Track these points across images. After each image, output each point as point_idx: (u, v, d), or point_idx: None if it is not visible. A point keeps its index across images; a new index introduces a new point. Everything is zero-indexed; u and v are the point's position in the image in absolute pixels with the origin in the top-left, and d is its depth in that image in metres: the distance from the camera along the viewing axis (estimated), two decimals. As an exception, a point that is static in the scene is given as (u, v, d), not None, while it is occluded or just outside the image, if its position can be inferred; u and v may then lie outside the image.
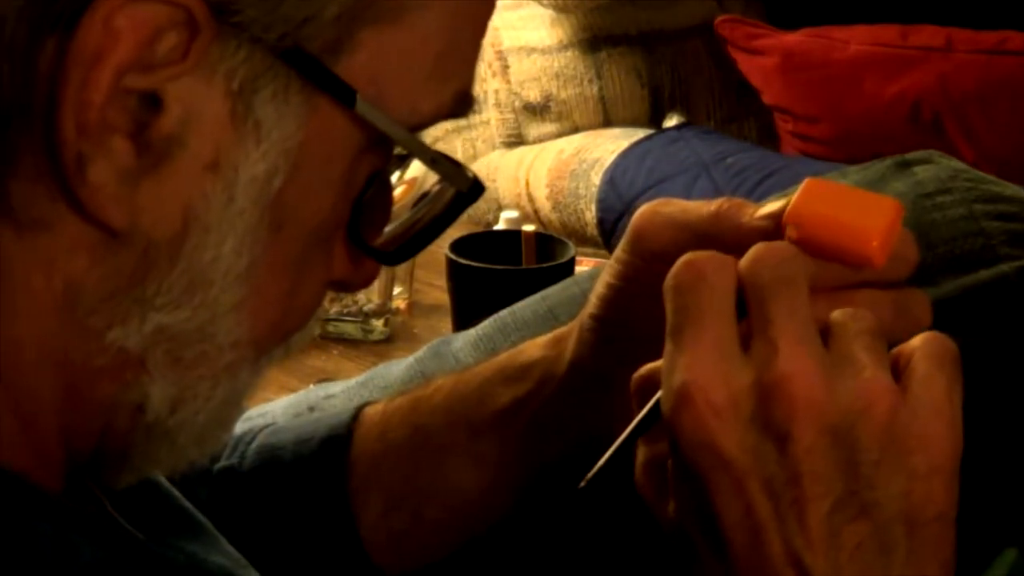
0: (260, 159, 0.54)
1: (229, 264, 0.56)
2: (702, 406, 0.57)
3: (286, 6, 0.53)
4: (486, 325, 1.11)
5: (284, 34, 0.53)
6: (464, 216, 2.26)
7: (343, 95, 0.55)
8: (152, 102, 0.53)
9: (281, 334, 0.60)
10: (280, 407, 1.11)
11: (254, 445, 0.84)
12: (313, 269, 0.59)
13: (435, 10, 0.56)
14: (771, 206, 0.65)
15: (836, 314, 0.60)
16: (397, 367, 1.12)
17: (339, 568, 0.81)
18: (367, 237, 0.60)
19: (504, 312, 1.12)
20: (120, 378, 0.57)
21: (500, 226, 1.75)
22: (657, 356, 0.60)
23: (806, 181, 0.63)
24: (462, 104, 0.59)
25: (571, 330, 0.78)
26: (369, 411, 0.84)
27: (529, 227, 1.67)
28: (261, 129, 0.54)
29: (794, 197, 0.63)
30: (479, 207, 2.29)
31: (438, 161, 0.59)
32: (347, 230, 0.60)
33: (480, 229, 1.78)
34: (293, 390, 1.50)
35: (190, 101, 0.53)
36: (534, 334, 1.07)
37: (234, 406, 0.61)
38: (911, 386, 0.58)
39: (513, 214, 1.79)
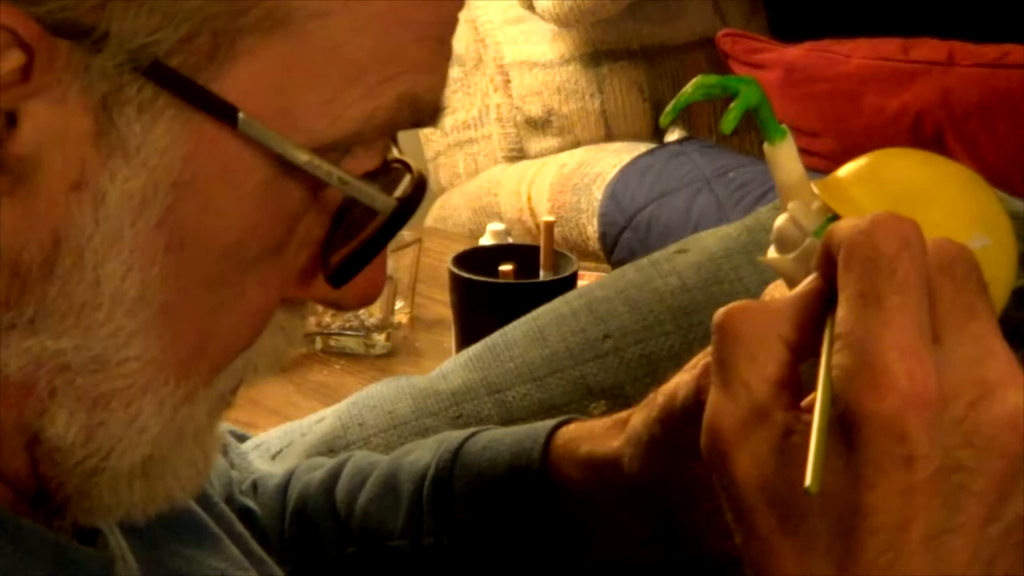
0: (132, 176, 0.53)
1: (116, 286, 0.54)
2: (905, 385, 0.54)
3: (139, 19, 0.51)
4: (477, 347, 1.12)
5: (140, 47, 0.51)
6: (466, 230, 2.27)
7: (221, 112, 0.53)
8: (12, 121, 0.51)
9: (216, 357, 0.58)
10: (275, 436, 1.11)
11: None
12: (242, 288, 0.57)
13: (344, 15, 0.54)
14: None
15: None
16: (385, 387, 1.12)
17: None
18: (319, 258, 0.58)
19: (496, 334, 1.12)
20: (14, 404, 0.56)
21: (486, 238, 1.75)
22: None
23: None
24: (415, 110, 0.56)
25: (632, 427, 0.77)
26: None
27: (549, 217, 1.68)
28: (128, 145, 0.52)
29: None
30: (481, 222, 2.29)
31: (349, 183, 0.56)
32: (322, 249, 0.58)
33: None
34: (296, 404, 1.50)
35: (44, 120, 0.51)
36: (524, 354, 1.07)
37: (190, 438, 0.59)
38: None
39: (499, 226, 1.79)
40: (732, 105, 0.67)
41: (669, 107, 0.69)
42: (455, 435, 0.86)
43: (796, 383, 0.58)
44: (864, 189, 0.67)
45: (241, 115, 0.53)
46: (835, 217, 0.66)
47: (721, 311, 0.59)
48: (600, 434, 0.79)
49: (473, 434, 0.85)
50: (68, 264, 0.53)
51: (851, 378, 0.55)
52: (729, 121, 0.67)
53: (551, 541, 0.80)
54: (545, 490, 0.79)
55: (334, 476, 0.88)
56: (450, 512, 0.82)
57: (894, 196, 0.66)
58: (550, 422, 0.82)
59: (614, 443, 0.77)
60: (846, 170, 0.69)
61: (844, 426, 0.55)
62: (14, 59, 0.51)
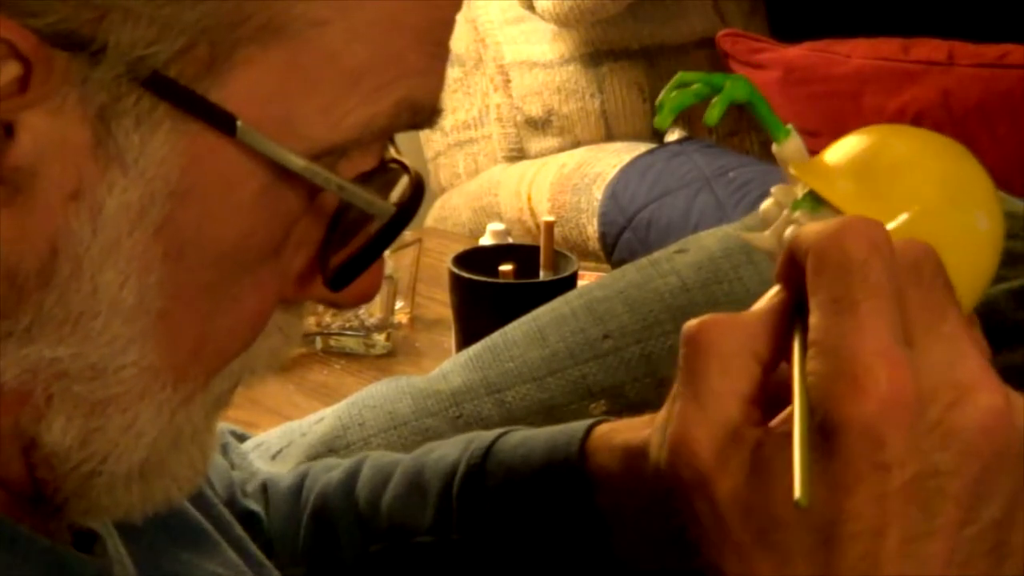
0: (129, 186, 0.53)
1: (113, 295, 0.54)
2: (884, 389, 0.54)
3: (137, 31, 0.51)
4: (477, 347, 1.12)
5: (139, 59, 0.51)
6: (466, 230, 2.27)
7: (220, 121, 0.53)
8: (9, 132, 0.51)
9: (214, 361, 0.58)
10: (275, 436, 1.11)
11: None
12: (238, 293, 0.57)
13: (342, 22, 0.54)
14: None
15: None
16: (385, 387, 1.12)
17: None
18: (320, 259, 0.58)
19: (496, 334, 1.12)
20: (10, 411, 0.56)
21: (486, 238, 1.75)
22: None
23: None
24: (413, 114, 0.56)
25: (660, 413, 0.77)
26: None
27: (549, 217, 1.68)
28: (126, 156, 0.52)
29: None
30: (481, 222, 2.29)
31: (346, 190, 0.56)
32: (318, 251, 0.58)
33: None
34: (296, 404, 1.50)
35: (42, 131, 0.51)
36: (524, 355, 1.07)
37: (187, 440, 0.59)
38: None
39: (499, 226, 1.79)
40: (716, 99, 0.67)
41: (665, 111, 0.68)
42: (484, 434, 0.86)
43: (764, 398, 0.58)
44: (839, 163, 0.67)
45: (239, 123, 0.53)
46: (813, 194, 0.66)
47: (692, 323, 0.59)
48: (637, 425, 0.79)
49: (504, 432, 0.85)
50: (66, 273, 0.53)
51: (829, 384, 0.55)
52: (713, 115, 0.66)
53: (579, 536, 0.80)
54: (580, 483, 0.79)
55: (352, 476, 0.88)
56: (481, 508, 0.82)
57: (876, 176, 0.66)
58: (587, 420, 0.82)
59: (646, 432, 0.77)
60: (827, 150, 0.69)
61: (822, 432, 0.55)
62: (11, 71, 0.51)
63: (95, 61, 0.51)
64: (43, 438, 0.56)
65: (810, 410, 0.55)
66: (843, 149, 0.68)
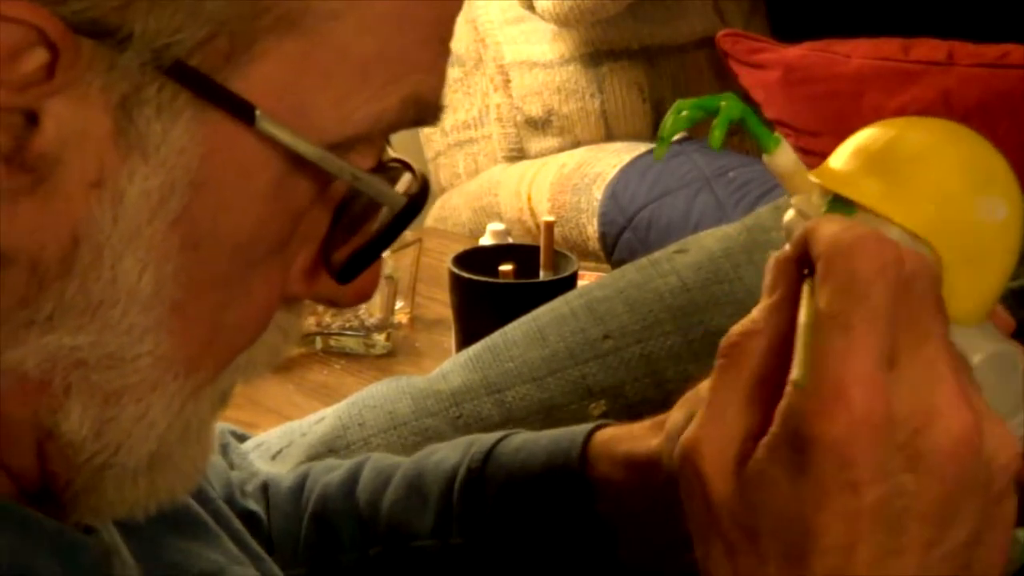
0: (150, 175, 0.53)
1: (132, 284, 0.54)
2: (858, 412, 0.56)
3: (162, 19, 0.51)
4: (477, 347, 1.12)
5: (163, 47, 0.52)
6: (466, 230, 2.27)
7: (239, 110, 0.53)
8: (33, 120, 0.52)
9: (222, 354, 0.59)
10: (275, 436, 1.11)
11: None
12: (249, 285, 0.57)
13: (354, 16, 0.54)
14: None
15: None
16: (385, 387, 1.12)
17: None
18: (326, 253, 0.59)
19: (495, 334, 1.12)
20: (29, 401, 0.56)
21: (486, 238, 1.75)
22: None
23: None
24: (419, 110, 0.57)
25: (672, 421, 0.78)
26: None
27: (549, 217, 1.68)
28: (147, 144, 0.53)
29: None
30: (481, 222, 2.29)
31: (361, 179, 0.57)
32: (322, 245, 0.59)
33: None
34: (296, 404, 1.51)
35: (65, 119, 0.52)
36: (523, 354, 1.07)
37: (194, 434, 0.60)
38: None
39: (499, 226, 1.79)
40: (715, 121, 0.68)
41: (662, 142, 0.69)
42: (485, 437, 0.86)
43: (768, 411, 0.60)
44: (859, 163, 0.67)
45: (258, 112, 0.53)
46: (838, 197, 0.66)
47: (734, 331, 0.61)
48: (639, 434, 0.79)
49: (505, 436, 0.85)
50: (86, 262, 0.54)
51: (805, 397, 0.57)
52: (716, 138, 0.68)
53: (580, 541, 0.81)
54: (581, 489, 0.80)
55: (353, 478, 0.88)
56: (482, 512, 0.82)
57: (891, 168, 0.66)
58: (587, 425, 0.83)
59: (653, 442, 0.77)
60: (838, 152, 0.69)
61: (794, 447, 0.57)
62: (39, 58, 0.51)
63: (120, 49, 0.52)
64: (60, 428, 0.56)
65: (785, 417, 0.57)
66: (855, 147, 0.68)
